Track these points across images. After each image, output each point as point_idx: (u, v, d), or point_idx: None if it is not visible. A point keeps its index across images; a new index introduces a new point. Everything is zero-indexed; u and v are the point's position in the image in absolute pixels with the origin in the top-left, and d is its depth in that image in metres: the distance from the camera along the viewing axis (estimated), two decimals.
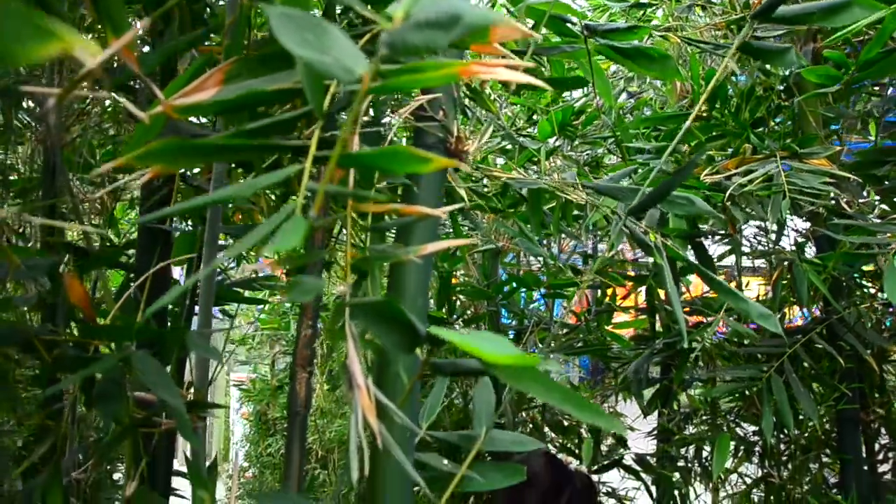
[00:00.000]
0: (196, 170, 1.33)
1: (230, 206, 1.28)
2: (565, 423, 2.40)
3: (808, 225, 1.86)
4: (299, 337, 1.00)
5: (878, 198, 1.82)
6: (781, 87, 1.78)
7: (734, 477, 2.08)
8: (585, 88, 2.47)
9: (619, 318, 2.42)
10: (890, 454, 1.83)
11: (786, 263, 1.69)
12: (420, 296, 0.73)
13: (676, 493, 2.04)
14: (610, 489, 2.30)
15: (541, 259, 2.40)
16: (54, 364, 0.65)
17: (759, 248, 1.98)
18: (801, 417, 1.87)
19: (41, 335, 0.73)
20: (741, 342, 1.75)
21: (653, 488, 2.26)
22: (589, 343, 2.22)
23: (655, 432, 2.10)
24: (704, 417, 1.94)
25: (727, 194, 1.46)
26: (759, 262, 2.09)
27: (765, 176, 1.45)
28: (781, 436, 1.88)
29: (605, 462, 2.22)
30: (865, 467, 1.79)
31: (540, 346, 2.34)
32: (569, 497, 1.77)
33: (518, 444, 0.87)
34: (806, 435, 1.89)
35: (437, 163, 0.42)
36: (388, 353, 0.69)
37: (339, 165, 0.46)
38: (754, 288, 2.25)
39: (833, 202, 1.64)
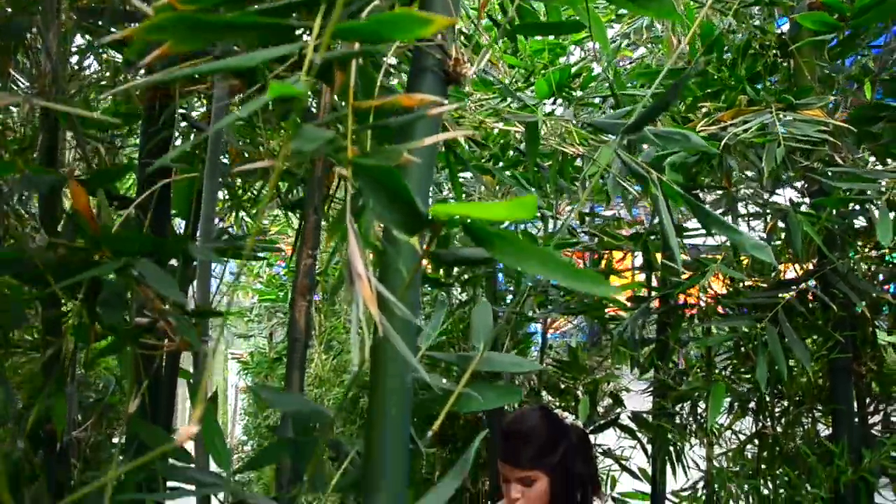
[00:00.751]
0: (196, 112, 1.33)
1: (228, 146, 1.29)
2: (562, 386, 2.42)
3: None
4: (299, 266, 1.02)
5: (872, 157, 1.83)
6: (776, 48, 1.79)
7: (729, 435, 2.10)
8: (582, 52, 2.48)
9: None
10: (881, 406, 1.86)
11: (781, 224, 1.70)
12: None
13: (672, 448, 2.06)
14: (606, 448, 2.33)
15: (539, 222, 2.42)
16: (57, 270, 0.66)
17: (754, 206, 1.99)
18: (794, 373, 1.89)
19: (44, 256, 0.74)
20: (737, 295, 1.76)
21: (649, 448, 2.29)
22: (586, 305, 2.24)
23: (652, 388, 2.12)
24: (700, 374, 1.95)
25: (722, 143, 1.47)
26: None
27: (760, 125, 1.46)
28: (775, 391, 1.90)
29: (602, 422, 2.25)
30: (857, 420, 1.81)
31: (537, 310, 2.36)
32: (565, 450, 1.79)
33: (516, 366, 0.88)
34: (800, 391, 1.91)
35: (439, 22, 0.43)
36: (389, 247, 0.70)
37: (338, 37, 0.47)
38: None
39: (828, 157, 1.65)
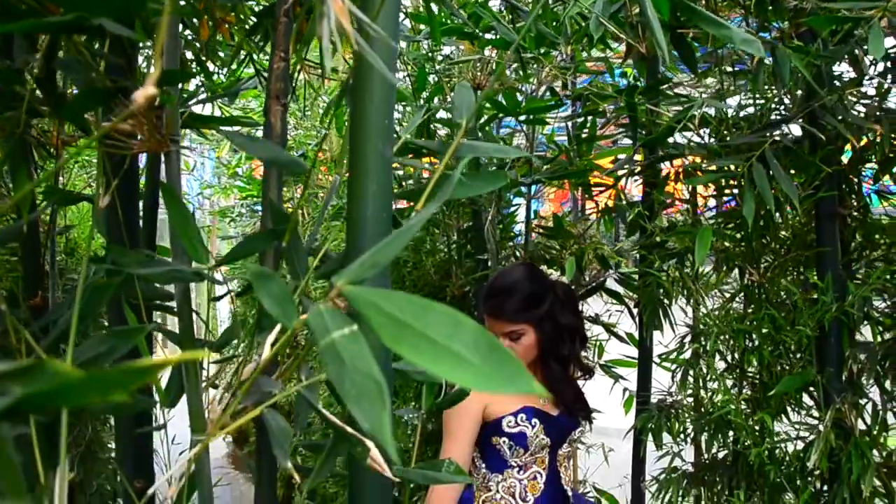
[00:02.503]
0: None
1: None
2: (547, 256, 2.42)
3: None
4: (272, 70, 0.97)
5: None
6: None
7: (716, 294, 2.11)
8: None
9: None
10: (865, 253, 1.86)
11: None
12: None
13: (659, 308, 2.07)
14: (594, 314, 2.34)
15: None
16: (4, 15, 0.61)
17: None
18: (779, 223, 1.89)
19: None
20: (723, 141, 1.74)
21: (635, 312, 2.31)
22: (569, 172, 2.21)
23: (639, 247, 2.12)
24: (687, 225, 1.95)
25: None
26: None
27: None
28: (763, 241, 1.90)
29: (590, 286, 2.25)
30: (841, 269, 1.82)
31: (522, 179, 2.33)
32: (551, 303, 1.79)
33: (499, 151, 0.85)
34: (786, 242, 1.91)
35: None
36: None
37: None
38: None
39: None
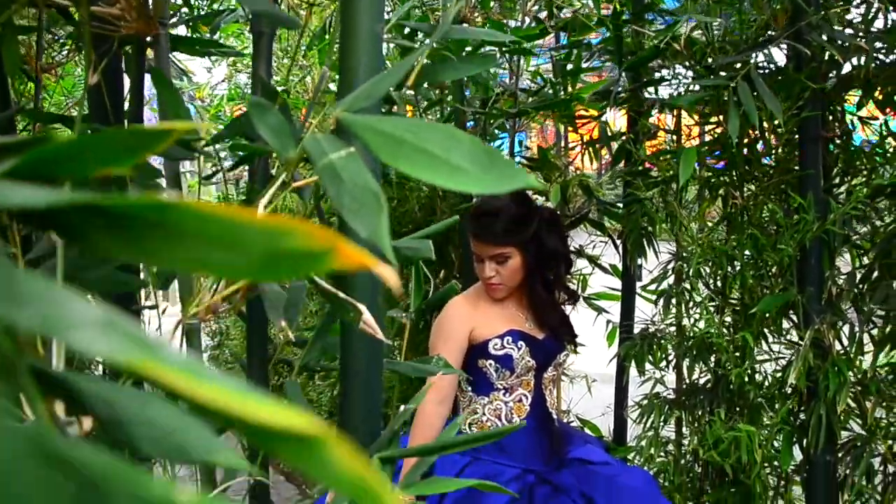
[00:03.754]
0: None
1: None
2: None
3: None
4: None
5: None
6: None
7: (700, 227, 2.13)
8: None
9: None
10: (846, 178, 1.88)
11: None
12: None
13: (643, 237, 2.09)
14: (578, 246, 2.36)
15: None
16: None
17: None
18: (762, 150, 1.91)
19: None
20: (708, 65, 1.74)
21: (619, 243, 2.33)
22: (553, 103, 2.20)
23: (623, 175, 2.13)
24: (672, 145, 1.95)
25: None
26: None
27: None
28: (746, 168, 1.91)
29: (575, 217, 2.27)
30: (823, 193, 1.84)
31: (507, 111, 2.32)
32: (537, 226, 1.80)
33: (489, 35, 0.85)
34: (769, 169, 1.93)
35: None
36: None
37: None
38: None
39: None
